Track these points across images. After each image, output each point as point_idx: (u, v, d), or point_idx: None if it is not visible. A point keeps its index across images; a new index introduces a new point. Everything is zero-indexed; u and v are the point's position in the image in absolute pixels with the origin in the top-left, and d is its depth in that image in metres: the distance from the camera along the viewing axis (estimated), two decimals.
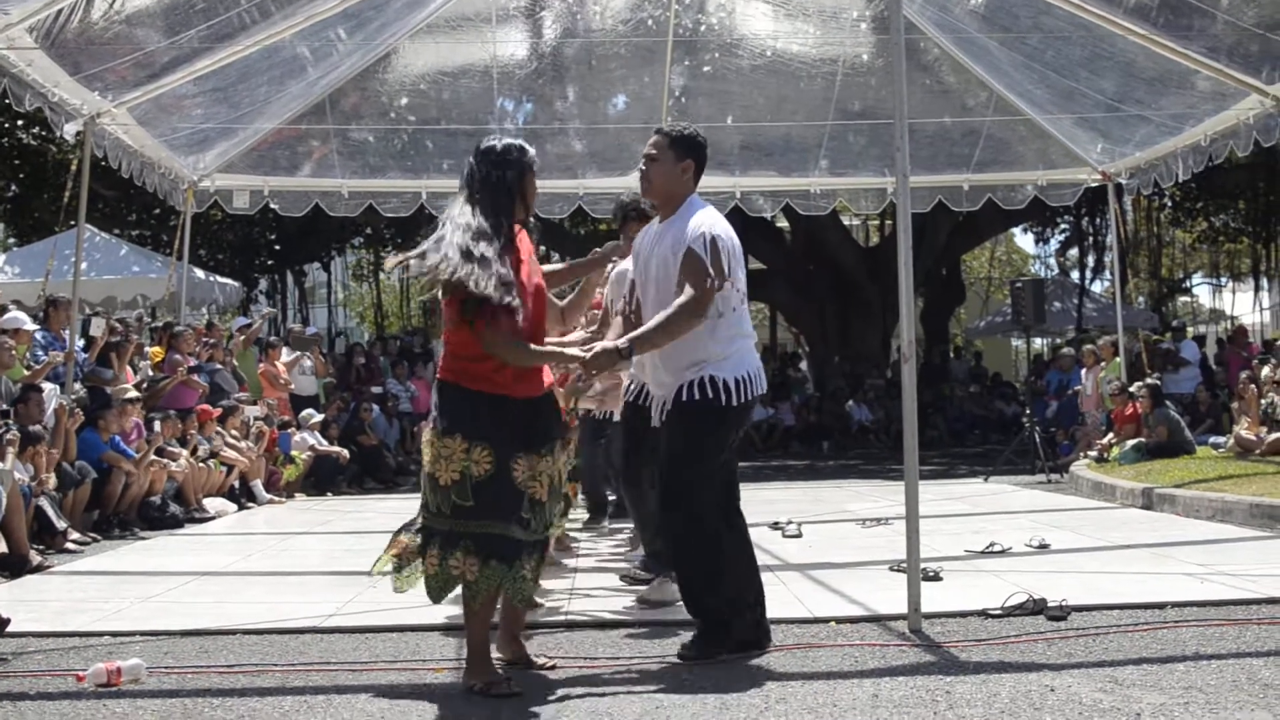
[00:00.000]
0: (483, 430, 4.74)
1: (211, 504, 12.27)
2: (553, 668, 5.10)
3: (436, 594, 4.86)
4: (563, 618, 6.25)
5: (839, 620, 6.07)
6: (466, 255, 4.65)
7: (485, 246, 4.70)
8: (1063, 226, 36.00)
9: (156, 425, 11.79)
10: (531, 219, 5.24)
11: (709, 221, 5.27)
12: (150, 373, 13.30)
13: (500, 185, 4.88)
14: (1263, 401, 13.40)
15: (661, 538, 5.75)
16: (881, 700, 4.54)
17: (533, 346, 4.88)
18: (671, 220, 5.39)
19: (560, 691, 4.77)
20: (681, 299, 5.13)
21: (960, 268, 34.06)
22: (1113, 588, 6.80)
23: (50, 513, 9.44)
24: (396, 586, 4.99)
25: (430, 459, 4.78)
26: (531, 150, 5.02)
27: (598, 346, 5.15)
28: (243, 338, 15.71)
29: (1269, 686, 4.57)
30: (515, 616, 5.17)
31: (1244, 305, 38.95)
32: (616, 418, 7.29)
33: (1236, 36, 10.46)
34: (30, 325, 11.68)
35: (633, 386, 6.31)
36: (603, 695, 4.72)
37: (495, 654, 5.00)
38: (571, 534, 9.13)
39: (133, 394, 11.77)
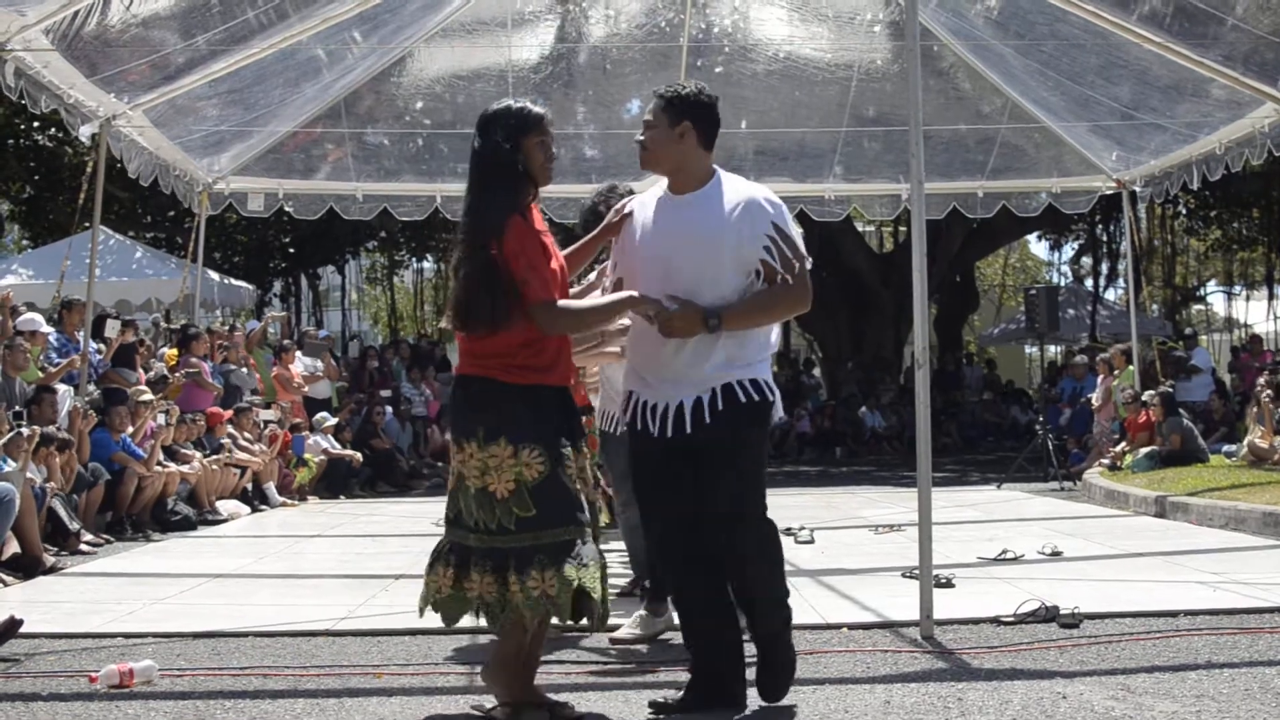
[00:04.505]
0: (527, 429, 4.30)
1: (224, 506, 12.31)
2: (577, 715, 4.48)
3: (497, 619, 4.36)
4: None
5: (851, 626, 6.06)
6: None
7: None
8: (1077, 234, 35.94)
9: (161, 418, 11.73)
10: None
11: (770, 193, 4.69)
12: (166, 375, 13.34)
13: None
14: (1276, 410, 13.34)
15: (735, 556, 4.59)
16: (893, 706, 4.53)
17: (587, 302, 4.72)
18: (699, 193, 4.61)
19: (572, 701, 4.75)
20: (792, 288, 4.74)
21: (974, 275, 34.06)
22: (1125, 595, 6.79)
23: (63, 514, 9.46)
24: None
25: (478, 473, 4.32)
26: (516, 104, 4.67)
27: (681, 303, 4.43)
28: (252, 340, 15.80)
29: None
30: (534, 650, 4.51)
31: (1258, 313, 38.83)
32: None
33: (1252, 44, 10.43)
34: (45, 328, 11.73)
35: (611, 408, 5.51)
36: (614, 705, 4.72)
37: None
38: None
39: (147, 395, 11.79)
